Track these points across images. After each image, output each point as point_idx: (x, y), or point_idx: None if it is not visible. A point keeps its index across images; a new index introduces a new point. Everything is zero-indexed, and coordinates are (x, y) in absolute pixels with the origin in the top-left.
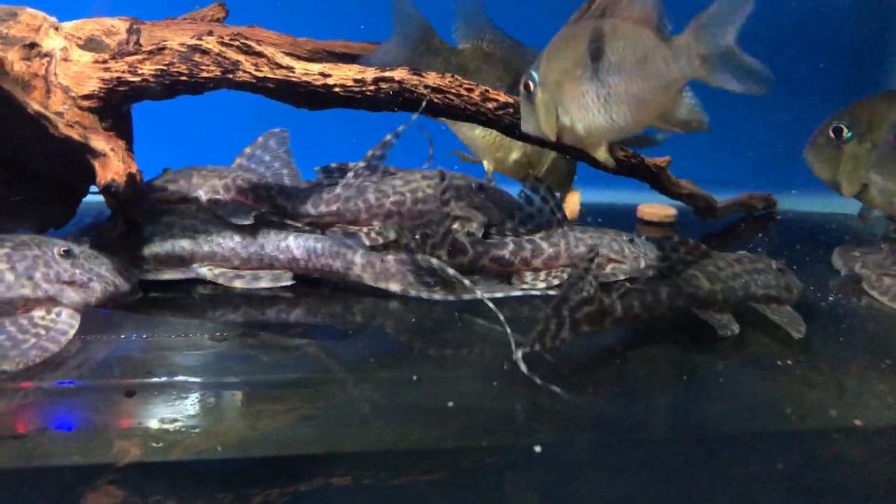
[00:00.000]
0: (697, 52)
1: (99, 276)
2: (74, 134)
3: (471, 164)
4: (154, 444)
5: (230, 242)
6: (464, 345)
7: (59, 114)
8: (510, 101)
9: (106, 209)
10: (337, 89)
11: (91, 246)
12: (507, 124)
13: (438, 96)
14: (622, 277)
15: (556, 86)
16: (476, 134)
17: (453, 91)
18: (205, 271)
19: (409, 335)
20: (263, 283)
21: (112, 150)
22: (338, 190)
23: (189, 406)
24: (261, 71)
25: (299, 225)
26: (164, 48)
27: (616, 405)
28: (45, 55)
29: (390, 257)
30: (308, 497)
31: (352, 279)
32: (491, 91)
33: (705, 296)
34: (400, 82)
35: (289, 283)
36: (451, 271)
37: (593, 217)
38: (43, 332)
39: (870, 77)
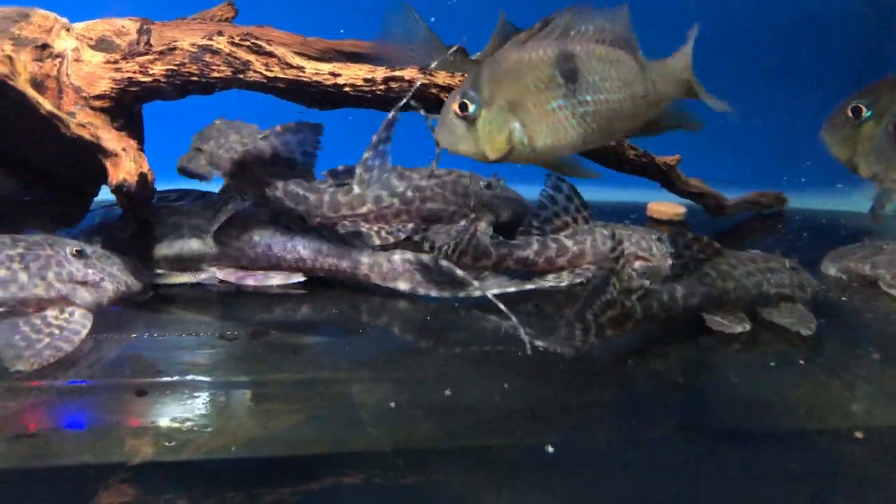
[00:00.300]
0: (688, 76)
1: (111, 275)
2: (86, 134)
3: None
4: (165, 444)
5: (238, 243)
6: (473, 342)
7: (71, 114)
8: None
9: (113, 209)
10: (347, 89)
11: (102, 246)
12: None
13: (447, 95)
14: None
15: (512, 106)
16: None
17: None
18: (215, 271)
19: (418, 333)
20: (275, 282)
21: (124, 149)
22: (356, 190)
23: (199, 405)
24: (271, 71)
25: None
26: (174, 48)
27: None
28: (57, 56)
29: (397, 256)
30: (319, 496)
31: (359, 278)
32: None
33: (719, 294)
34: (410, 82)
35: (300, 280)
36: (459, 272)
37: (604, 216)
38: (56, 331)
39: (879, 75)
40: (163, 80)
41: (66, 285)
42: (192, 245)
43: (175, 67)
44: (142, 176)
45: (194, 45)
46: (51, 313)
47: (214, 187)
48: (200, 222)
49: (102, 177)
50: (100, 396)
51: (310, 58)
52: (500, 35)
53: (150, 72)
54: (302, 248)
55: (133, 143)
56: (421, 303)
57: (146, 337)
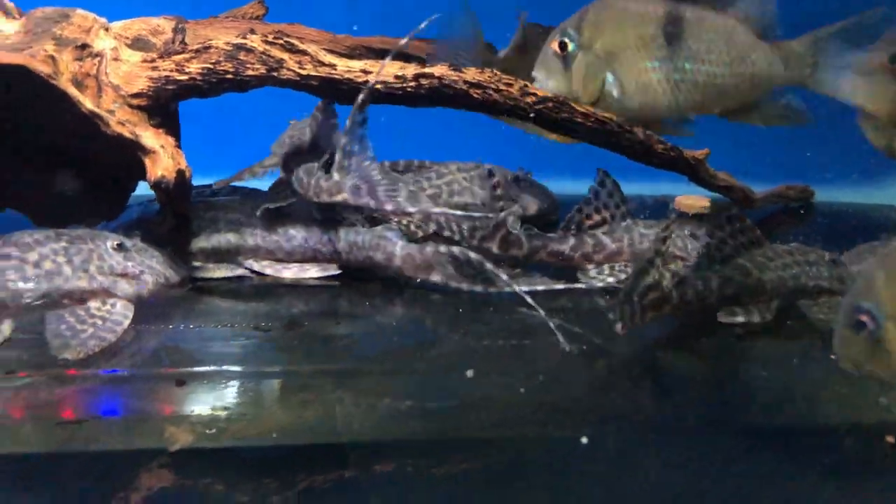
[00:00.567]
0: (812, 60)
1: (150, 268)
2: (125, 131)
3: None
4: (203, 431)
5: (274, 236)
6: (505, 335)
7: (111, 112)
8: (549, 94)
9: (150, 204)
10: (378, 86)
11: (141, 239)
12: (546, 118)
13: (478, 91)
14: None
15: (608, 55)
16: None
17: (493, 86)
18: (252, 264)
19: (450, 325)
20: (311, 273)
21: (162, 146)
22: (335, 177)
23: (235, 394)
24: (304, 69)
25: (343, 218)
26: (209, 47)
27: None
28: (97, 55)
29: (429, 248)
30: (350, 483)
31: (393, 270)
32: (530, 86)
33: (754, 285)
34: (440, 78)
35: (335, 272)
36: (488, 265)
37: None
38: (100, 322)
39: None
40: (199, 78)
41: (107, 278)
42: (229, 238)
43: (210, 66)
44: (179, 172)
45: (229, 43)
46: (93, 304)
47: (248, 183)
48: (237, 216)
49: (140, 173)
50: (141, 385)
51: (340, 55)
52: (521, 36)
53: (187, 70)
54: (337, 241)
55: (171, 140)
56: (454, 295)
57: (182, 328)
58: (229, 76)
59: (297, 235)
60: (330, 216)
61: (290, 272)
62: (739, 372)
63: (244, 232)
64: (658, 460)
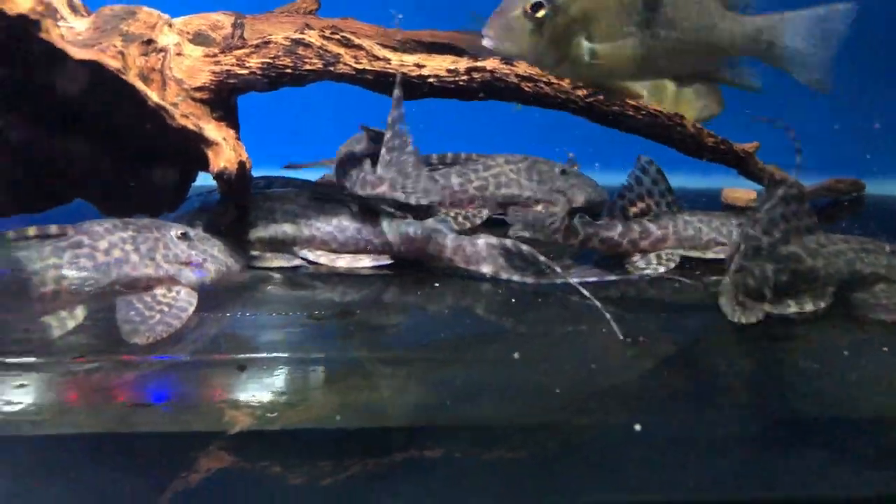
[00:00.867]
0: (770, 40)
1: (213, 257)
2: (189, 124)
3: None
4: (262, 414)
5: (328, 227)
6: (557, 324)
7: (175, 105)
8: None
9: (210, 195)
10: (431, 80)
11: (203, 229)
12: (597, 112)
13: (529, 85)
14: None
15: (584, 18)
16: None
17: (544, 79)
18: (307, 253)
19: (499, 315)
20: (364, 263)
21: (224, 139)
22: (379, 171)
23: (291, 380)
24: (360, 63)
25: (392, 210)
26: (269, 42)
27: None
28: (161, 50)
29: (481, 241)
30: (401, 467)
31: (444, 261)
32: None
33: (807, 272)
34: (492, 72)
35: (387, 262)
36: (541, 258)
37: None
38: (166, 308)
39: None
40: (259, 72)
41: (172, 266)
42: (285, 229)
43: (270, 60)
44: (241, 164)
45: (287, 38)
46: (160, 291)
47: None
48: (293, 207)
49: (200, 164)
50: (205, 370)
51: (392, 49)
52: None
53: (247, 65)
54: (389, 232)
55: (232, 132)
56: (505, 285)
57: (239, 315)
58: (288, 71)
59: (350, 227)
60: (368, 208)
61: (343, 262)
62: (791, 362)
63: (300, 223)
64: (708, 448)
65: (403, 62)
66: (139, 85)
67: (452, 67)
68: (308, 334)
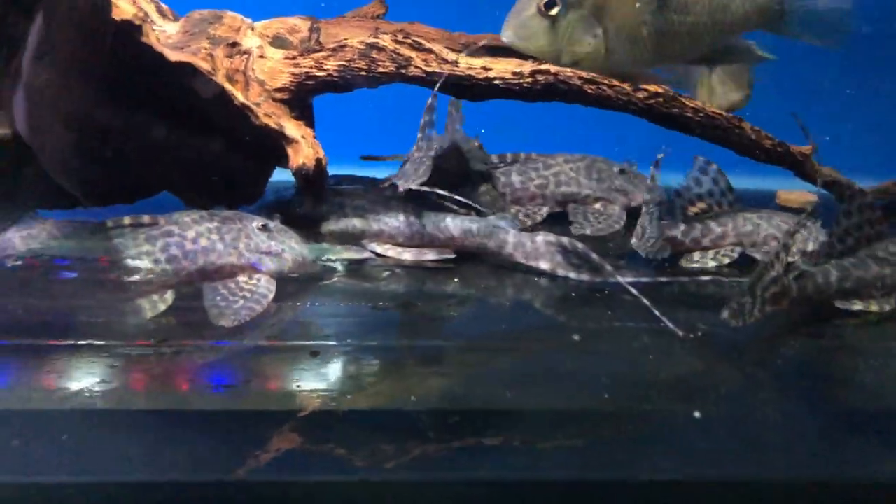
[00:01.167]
0: (782, 7)
1: (290, 247)
2: (272, 122)
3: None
4: (331, 398)
5: (395, 222)
6: (610, 319)
7: (258, 104)
8: (660, 90)
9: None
10: (497, 82)
11: (280, 222)
12: (657, 113)
13: (591, 87)
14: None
15: (599, 11)
16: None
17: (606, 82)
18: (374, 247)
19: (559, 309)
20: (429, 257)
21: (303, 137)
22: (406, 167)
23: (358, 366)
24: (430, 66)
25: (456, 207)
26: (345, 45)
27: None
28: (245, 53)
29: (539, 237)
30: (461, 452)
31: (504, 256)
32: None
33: (873, 280)
34: (555, 74)
35: (451, 256)
36: (594, 257)
37: None
38: (248, 294)
39: None
40: (335, 74)
41: (254, 255)
42: (354, 223)
43: (346, 63)
44: (318, 161)
45: (362, 42)
46: (242, 279)
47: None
48: (362, 202)
49: (277, 161)
50: (282, 355)
51: (459, 52)
52: None
53: (325, 67)
54: (453, 228)
55: (310, 131)
56: (564, 282)
57: (308, 305)
58: (363, 73)
59: (415, 222)
60: (433, 204)
61: (409, 255)
62: (850, 359)
63: (368, 217)
64: (764, 439)
65: (471, 65)
66: (227, 86)
67: (517, 70)
68: (372, 324)
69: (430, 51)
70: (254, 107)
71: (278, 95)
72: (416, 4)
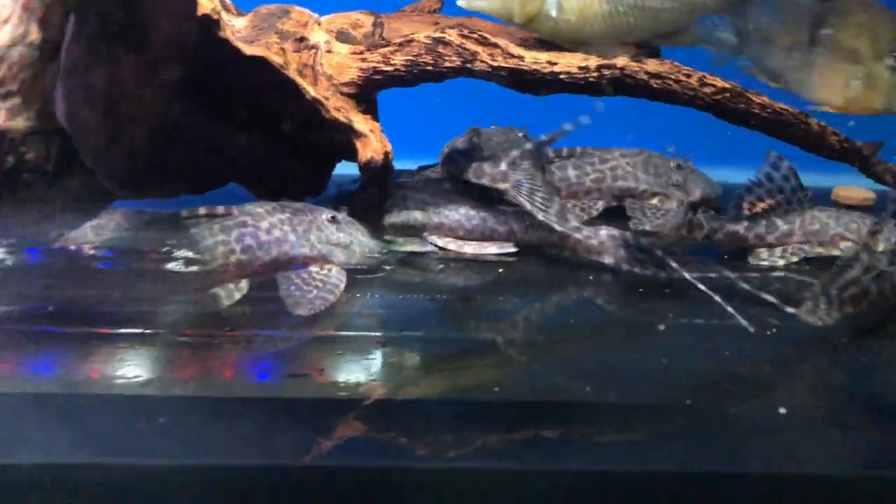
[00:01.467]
0: None
1: (357, 239)
2: (341, 117)
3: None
4: (393, 386)
5: (456, 215)
6: (676, 314)
7: (326, 99)
8: (727, 85)
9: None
10: (562, 76)
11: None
12: (724, 108)
13: (658, 82)
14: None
15: None
16: None
17: (672, 77)
18: (435, 239)
19: (619, 305)
20: (490, 250)
21: (371, 131)
22: (502, 167)
23: (418, 357)
24: (496, 60)
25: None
26: (412, 41)
27: None
28: (312, 47)
29: (603, 232)
30: (520, 443)
31: (566, 251)
32: (708, 76)
33: None
34: (621, 69)
35: (512, 250)
36: (658, 252)
37: None
38: (321, 284)
39: None
40: (402, 69)
41: (324, 246)
42: (416, 216)
43: (413, 58)
44: (386, 154)
45: (429, 37)
46: (314, 269)
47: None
48: (423, 196)
49: (343, 154)
50: (352, 345)
51: (524, 47)
52: None
53: (392, 62)
54: (514, 221)
55: (377, 125)
56: (627, 276)
57: (369, 296)
58: (429, 68)
59: (476, 215)
60: (494, 198)
61: (470, 248)
62: None
63: (429, 210)
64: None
65: (537, 59)
66: (298, 80)
67: (583, 65)
68: (435, 315)
69: (495, 45)
70: (325, 101)
71: (345, 90)
72: None
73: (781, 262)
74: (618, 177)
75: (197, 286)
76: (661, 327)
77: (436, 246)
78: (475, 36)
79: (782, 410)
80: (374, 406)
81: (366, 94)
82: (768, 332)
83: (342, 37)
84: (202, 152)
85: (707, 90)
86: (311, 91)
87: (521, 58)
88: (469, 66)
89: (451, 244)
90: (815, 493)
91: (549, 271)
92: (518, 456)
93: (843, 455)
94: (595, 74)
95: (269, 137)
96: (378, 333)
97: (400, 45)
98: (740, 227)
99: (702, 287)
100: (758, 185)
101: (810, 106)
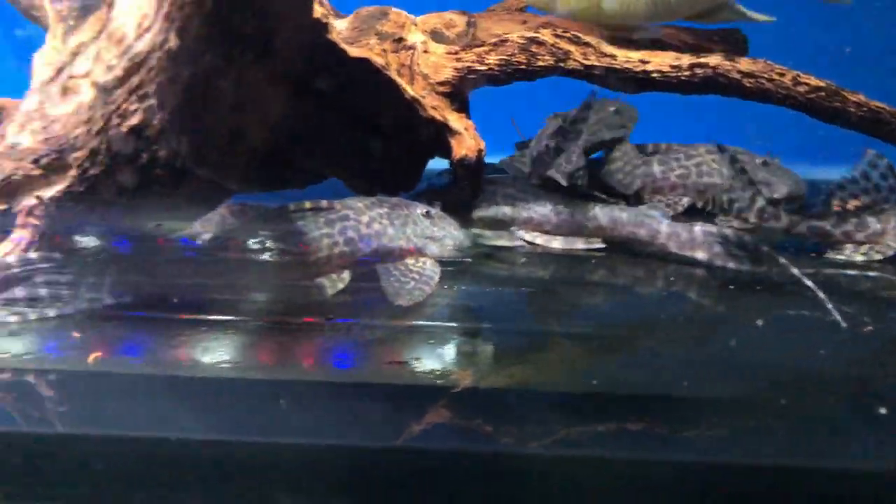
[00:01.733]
0: None
1: (450, 233)
2: (437, 115)
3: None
4: (481, 376)
5: (544, 210)
6: (774, 309)
7: (422, 97)
8: (821, 84)
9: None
10: (654, 75)
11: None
12: (818, 108)
13: (751, 80)
14: None
15: None
16: None
17: (766, 76)
18: (523, 234)
19: (712, 300)
20: (578, 245)
21: (465, 129)
22: (564, 165)
23: (504, 347)
24: (588, 59)
25: (604, 196)
26: (505, 40)
27: None
28: (409, 48)
29: (698, 228)
30: (605, 435)
31: (656, 246)
32: (802, 75)
33: None
34: (714, 68)
35: (600, 246)
36: (764, 247)
37: None
38: (417, 276)
39: None
40: (496, 68)
41: (420, 240)
42: (505, 210)
43: (507, 57)
44: (479, 152)
45: (522, 36)
46: (410, 261)
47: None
48: (511, 191)
49: (435, 151)
50: (442, 335)
51: (615, 45)
52: None
53: (486, 61)
54: (602, 217)
55: (471, 123)
56: (718, 272)
57: (456, 288)
58: (522, 67)
59: (564, 210)
60: (582, 193)
61: (557, 243)
62: None
63: (518, 205)
64: None
65: (629, 58)
66: (398, 80)
67: (675, 63)
68: (521, 308)
69: (588, 44)
70: (422, 100)
71: (441, 89)
72: None
73: (861, 259)
74: (703, 173)
75: (303, 276)
76: (759, 322)
77: (524, 240)
78: (568, 35)
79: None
80: (472, 393)
81: (459, 92)
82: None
83: (436, 37)
84: (310, 150)
85: (801, 89)
86: (410, 91)
87: (613, 57)
88: (562, 64)
89: (539, 238)
90: None
91: (639, 266)
92: (628, 446)
93: None
94: (687, 73)
95: (368, 135)
96: (469, 324)
97: (494, 44)
98: (826, 224)
99: (809, 283)
100: (852, 182)
101: None
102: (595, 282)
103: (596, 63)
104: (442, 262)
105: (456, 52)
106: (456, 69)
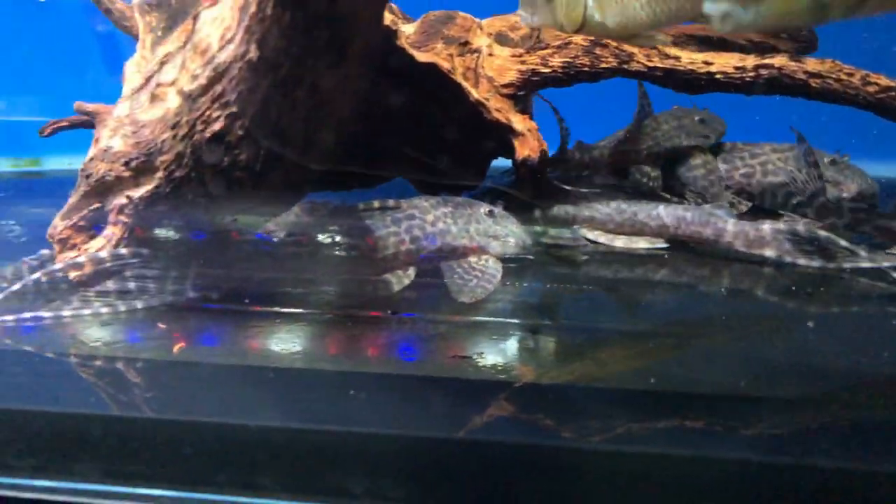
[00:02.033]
0: None
1: (513, 232)
2: (501, 117)
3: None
4: (543, 371)
5: (607, 209)
6: (844, 307)
7: (487, 100)
8: (892, 84)
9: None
10: (718, 76)
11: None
12: (888, 107)
13: (817, 81)
14: None
15: None
16: None
17: (833, 76)
18: (586, 233)
19: (781, 297)
20: (641, 244)
21: (528, 130)
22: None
23: (565, 344)
24: (651, 61)
25: (668, 196)
26: (569, 43)
27: None
28: (475, 51)
29: (766, 226)
30: (662, 432)
31: (722, 245)
32: (871, 75)
33: None
34: (780, 69)
35: (663, 245)
36: (843, 242)
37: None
38: (479, 274)
39: None
40: (559, 71)
41: (483, 238)
42: (567, 209)
43: (570, 60)
44: (542, 152)
45: (586, 39)
46: (473, 259)
47: None
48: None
49: (499, 151)
50: (505, 331)
51: (679, 47)
52: None
53: (550, 64)
54: (665, 216)
55: (534, 124)
56: (787, 269)
57: (517, 285)
58: (586, 69)
59: (627, 209)
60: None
61: (620, 242)
62: None
63: (581, 204)
64: None
65: (693, 60)
66: (464, 83)
67: (740, 65)
68: (583, 306)
69: (652, 46)
70: (487, 103)
71: (504, 91)
72: None
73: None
74: (768, 172)
75: (370, 272)
76: (811, 324)
77: (586, 239)
78: None
79: None
80: (533, 389)
81: (523, 94)
82: None
83: (500, 39)
84: (380, 151)
85: (870, 89)
86: (475, 93)
87: (677, 58)
88: (625, 66)
89: (602, 237)
90: None
91: (704, 265)
92: (687, 443)
93: None
94: (752, 74)
95: (434, 136)
96: (531, 321)
97: (558, 47)
98: (893, 223)
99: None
100: None
101: None
102: (658, 281)
103: (659, 65)
104: (504, 260)
105: (520, 55)
106: (520, 72)
